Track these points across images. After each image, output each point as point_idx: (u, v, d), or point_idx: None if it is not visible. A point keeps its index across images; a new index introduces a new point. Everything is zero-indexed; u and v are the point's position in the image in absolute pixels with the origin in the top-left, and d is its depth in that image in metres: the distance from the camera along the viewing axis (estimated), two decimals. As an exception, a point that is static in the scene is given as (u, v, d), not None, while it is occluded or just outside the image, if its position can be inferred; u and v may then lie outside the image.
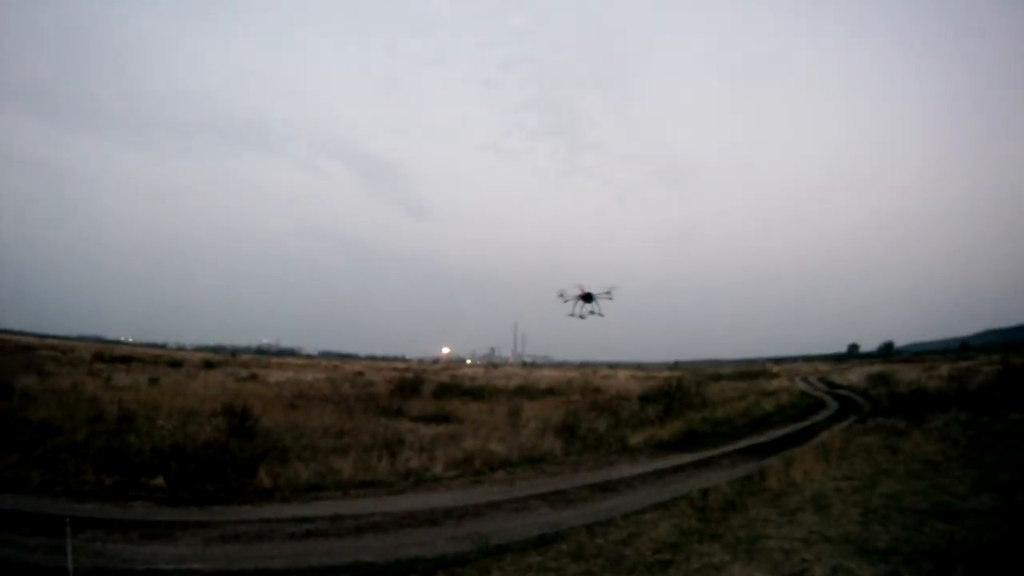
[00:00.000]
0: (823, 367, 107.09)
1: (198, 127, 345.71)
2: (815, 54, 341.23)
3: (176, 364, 65.70)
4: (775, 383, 61.39)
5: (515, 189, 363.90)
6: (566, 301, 18.97)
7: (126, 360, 64.43)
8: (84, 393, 29.04)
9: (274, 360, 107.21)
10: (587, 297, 18.97)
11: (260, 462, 17.35)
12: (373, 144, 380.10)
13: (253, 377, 53.01)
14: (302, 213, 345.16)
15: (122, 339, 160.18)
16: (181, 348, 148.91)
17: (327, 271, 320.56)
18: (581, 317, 19.12)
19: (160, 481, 15.75)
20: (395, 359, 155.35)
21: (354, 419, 26.07)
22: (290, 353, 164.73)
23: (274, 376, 55.64)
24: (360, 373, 68.86)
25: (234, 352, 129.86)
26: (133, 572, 9.56)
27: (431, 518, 13.52)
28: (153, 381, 42.09)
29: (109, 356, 68.04)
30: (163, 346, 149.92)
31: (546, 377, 67.79)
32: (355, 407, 30.52)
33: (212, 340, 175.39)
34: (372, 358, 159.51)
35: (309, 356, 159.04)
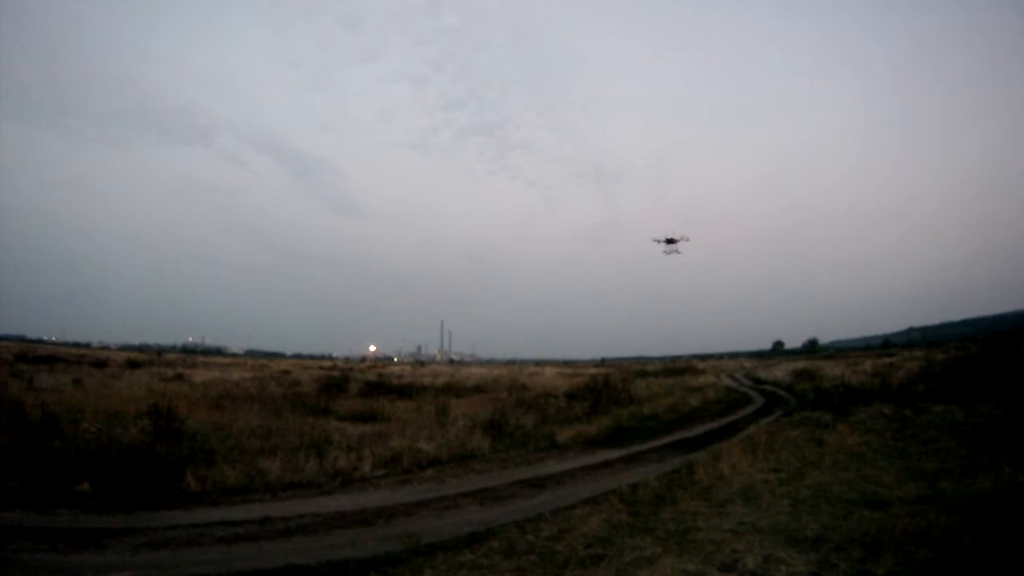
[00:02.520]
0: (749, 364, 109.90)
1: (121, 116, 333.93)
2: (741, 56, 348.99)
3: (100, 364, 63.42)
4: (701, 379, 62.93)
5: (443, 187, 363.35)
6: (658, 242, 21.55)
7: (49, 360, 62.01)
8: (6, 395, 27.80)
9: (200, 359, 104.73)
10: (671, 241, 21.85)
11: (187, 465, 16.87)
12: (301, 139, 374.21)
13: (179, 377, 51.41)
14: (228, 208, 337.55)
15: (45, 339, 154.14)
16: (105, 347, 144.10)
17: (253, 268, 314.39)
18: (667, 254, 21.79)
19: (86, 487, 15.18)
20: (321, 358, 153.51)
21: (281, 419, 25.65)
22: (216, 352, 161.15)
23: (200, 375, 54.24)
24: (286, 372, 67.82)
25: (160, 351, 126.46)
26: (59, 583, 9.19)
27: (361, 518, 13.41)
28: (77, 382, 40.55)
29: (32, 356, 65.47)
30: (87, 345, 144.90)
31: (473, 375, 67.87)
32: (282, 406, 30.03)
33: (137, 339, 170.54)
34: (298, 357, 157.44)
35: (235, 355, 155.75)
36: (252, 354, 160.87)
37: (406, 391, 43.18)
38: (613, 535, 10.23)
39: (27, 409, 22.69)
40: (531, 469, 19.18)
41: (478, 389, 48.47)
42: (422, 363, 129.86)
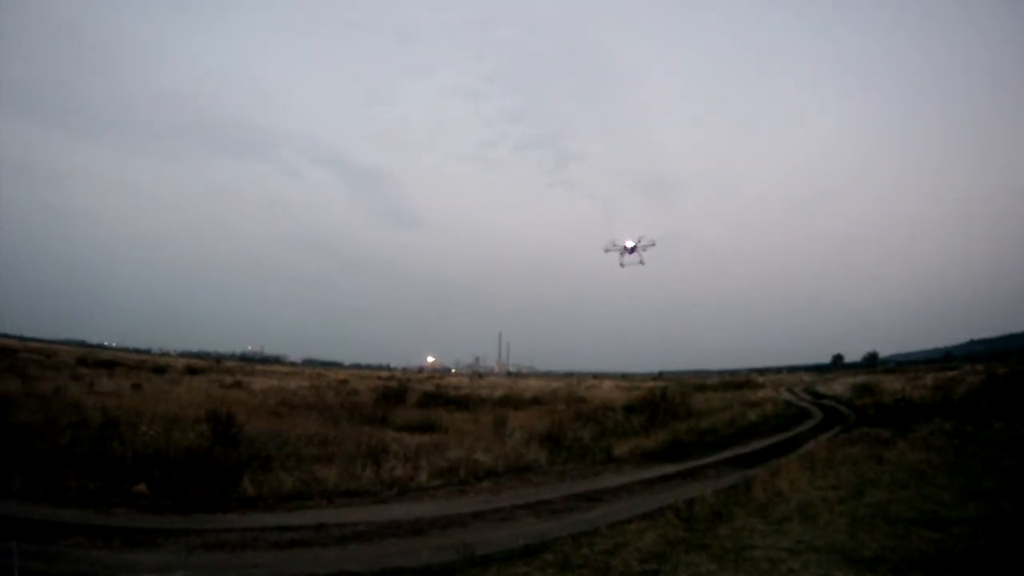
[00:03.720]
0: (808, 377, 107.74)
1: (184, 131, 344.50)
2: (799, 68, 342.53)
3: (160, 370, 65.52)
4: (760, 393, 61.81)
5: (501, 200, 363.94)
6: (607, 251, 20.18)
7: (110, 365, 64.23)
8: (67, 398, 28.87)
9: (258, 367, 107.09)
10: (631, 249, 20.42)
11: (244, 470, 17.33)
12: (360, 153, 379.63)
13: (237, 384, 52.91)
14: (288, 220, 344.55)
15: (106, 344, 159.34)
16: (165, 354, 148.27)
17: (313, 279, 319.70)
18: (622, 266, 20.43)
19: (143, 488, 15.74)
20: (380, 368, 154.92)
21: (338, 428, 26.07)
22: (275, 361, 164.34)
23: (258, 383, 55.52)
24: (344, 381, 68.82)
25: (219, 359, 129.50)
26: (114, 579, 9.51)
27: (416, 528, 13.57)
28: (136, 387, 41.99)
29: (93, 361, 67.80)
30: (147, 352, 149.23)
31: (531, 387, 67.89)
32: (339, 416, 30.53)
33: (197, 346, 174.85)
34: (357, 367, 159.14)
35: (293, 364, 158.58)
36: (310, 363, 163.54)
37: (464, 402, 43.46)
38: (668, 551, 10.10)
39: (87, 411, 23.52)
40: (588, 482, 19.12)
41: (536, 401, 48.48)
42: (480, 374, 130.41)
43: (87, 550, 11.19)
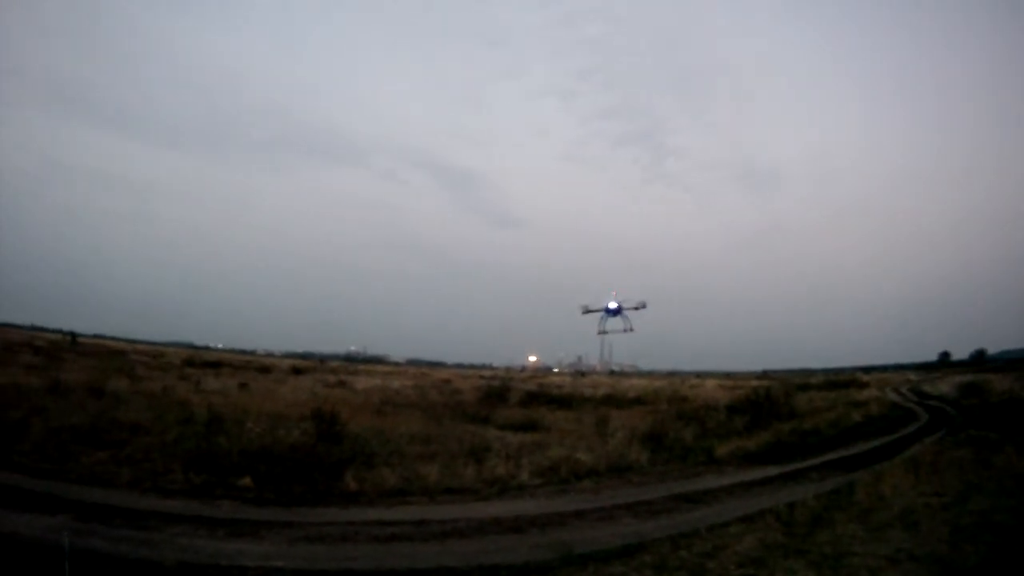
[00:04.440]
0: (913, 376, 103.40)
1: (278, 143, 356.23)
2: (897, 53, 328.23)
3: (265, 370, 67.92)
4: (865, 393, 59.76)
5: (599, 197, 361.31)
6: (585, 313, 18.48)
7: (216, 366, 66.96)
8: (174, 396, 30.28)
9: (362, 367, 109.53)
10: (614, 311, 18.46)
11: (347, 466, 17.74)
12: (456, 156, 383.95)
13: (341, 383, 54.35)
14: (389, 224, 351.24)
15: (212, 345, 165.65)
16: (270, 355, 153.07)
17: (414, 280, 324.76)
18: (603, 332, 18.59)
19: (247, 481, 16.30)
20: (482, 367, 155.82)
21: (441, 426, 26.43)
22: (378, 360, 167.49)
23: (362, 383, 56.82)
24: (447, 381, 69.72)
25: (323, 359, 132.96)
26: (218, 567, 9.89)
27: (515, 525, 13.56)
28: (243, 386, 43.67)
29: (199, 361, 70.77)
30: (252, 353, 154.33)
31: (633, 386, 67.27)
32: (442, 414, 30.99)
33: (301, 347, 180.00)
34: (459, 366, 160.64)
35: (396, 364, 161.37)
36: (413, 363, 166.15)
37: (566, 401, 43.45)
38: (766, 556, 9.81)
39: (194, 409, 24.50)
40: (688, 483, 18.78)
41: (638, 401, 48.02)
42: (582, 373, 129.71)
43: (191, 539, 11.68)
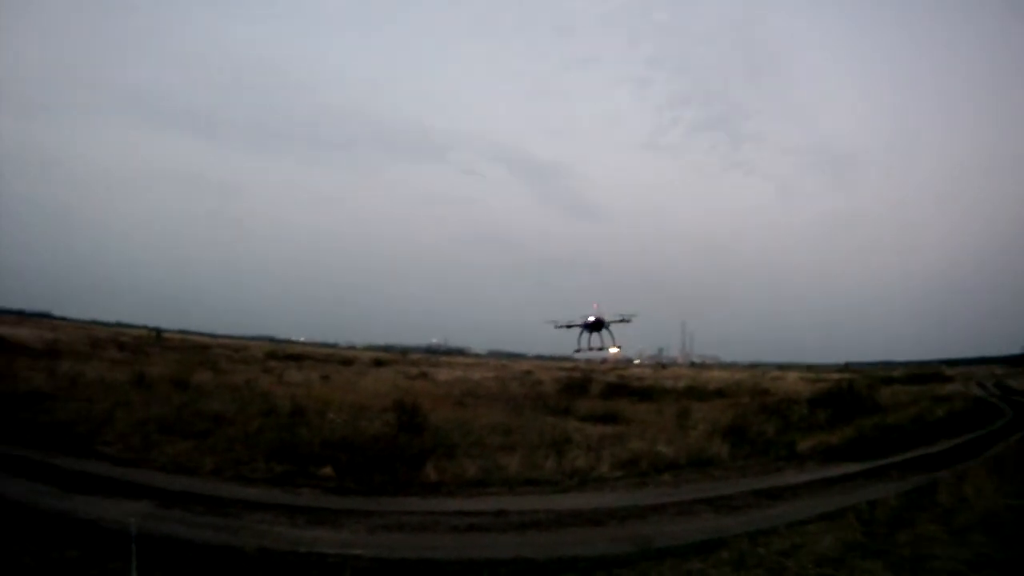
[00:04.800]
0: (999, 370, 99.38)
1: (357, 142, 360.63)
2: (981, 34, 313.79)
3: (347, 362, 69.03)
4: (948, 387, 57.76)
5: (677, 186, 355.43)
6: (559, 327, 17.20)
7: (298, 358, 68.08)
8: (257, 388, 30.84)
9: (443, 359, 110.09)
10: (595, 325, 16.87)
11: (428, 457, 17.88)
12: (533, 148, 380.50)
13: (422, 375, 54.86)
14: (469, 218, 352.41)
15: (294, 339, 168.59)
16: (352, 347, 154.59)
17: (495, 272, 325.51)
18: (577, 350, 17.24)
19: (328, 471, 16.57)
20: (563, 359, 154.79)
21: (522, 417, 26.40)
22: (459, 352, 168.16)
23: (443, 374, 57.23)
24: (528, 372, 69.65)
25: (404, 351, 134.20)
26: (296, 554, 10.03)
27: (594, 518, 13.47)
28: (324, 378, 44.32)
29: (281, 355, 72.04)
30: (334, 345, 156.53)
31: (715, 378, 66.20)
32: (523, 406, 30.92)
33: (382, 340, 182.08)
34: (540, 358, 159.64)
35: (477, 356, 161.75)
36: (494, 355, 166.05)
37: (647, 393, 42.87)
38: (845, 555, 9.52)
39: (276, 401, 24.97)
40: (769, 479, 18.34)
41: (719, 393, 47.09)
42: (663, 365, 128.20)
43: (271, 526, 11.95)
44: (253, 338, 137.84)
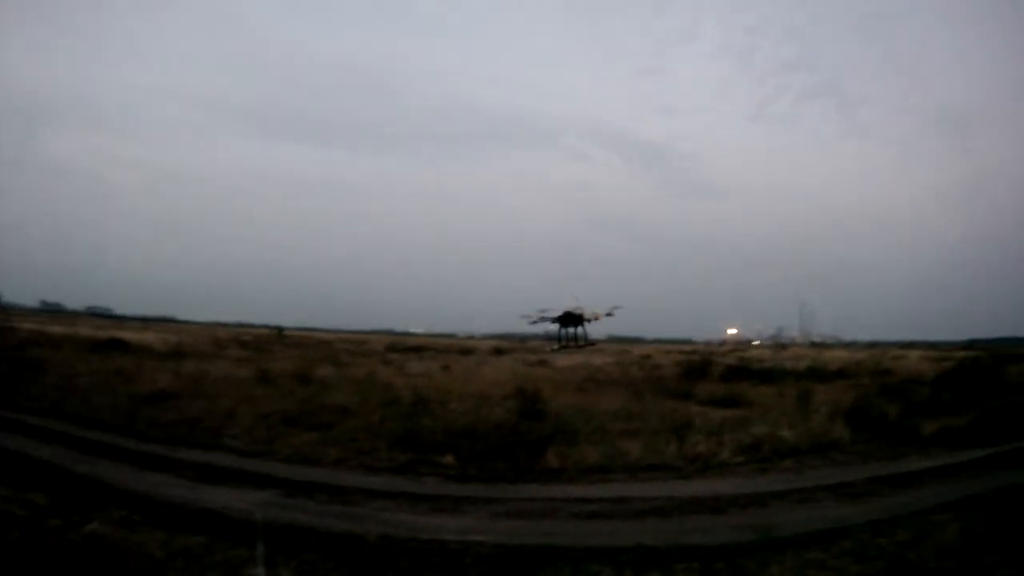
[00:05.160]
0: None
1: (466, 134, 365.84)
2: None
3: (467, 352, 69.88)
4: None
5: (790, 157, 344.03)
6: (532, 323, 16.27)
7: (418, 350, 69.49)
8: (379, 380, 31.61)
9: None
10: (571, 320, 15.66)
11: (549, 443, 17.97)
12: (640, 127, 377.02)
13: (542, 362, 55.08)
14: (583, 203, 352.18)
15: (413, 331, 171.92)
16: (471, 337, 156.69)
17: (610, 257, 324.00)
18: (554, 350, 16.29)
19: (450, 459, 16.90)
20: (682, 342, 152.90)
21: (642, 402, 26.20)
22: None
23: (562, 361, 57.24)
24: (647, 356, 69.14)
25: (523, 339, 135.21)
26: (418, 541, 10.26)
27: (715, 505, 13.22)
28: (445, 368, 45.15)
29: (401, 347, 73.63)
30: (453, 336, 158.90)
31: (836, 358, 64.09)
32: (643, 390, 30.69)
33: (500, 328, 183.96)
34: (658, 341, 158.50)
35: (598, 341, 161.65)
36: (614, 340, 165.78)
37: (767, 375, 41.79)
38: (971, 548, 9.11)
39: (398, 392, 25.62)
40: (891, 465, 17.50)
41: (840, 374, 45.45)
42: (783, 345, 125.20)
43: (394, 513, 12.28)
44: (373, 332, 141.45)
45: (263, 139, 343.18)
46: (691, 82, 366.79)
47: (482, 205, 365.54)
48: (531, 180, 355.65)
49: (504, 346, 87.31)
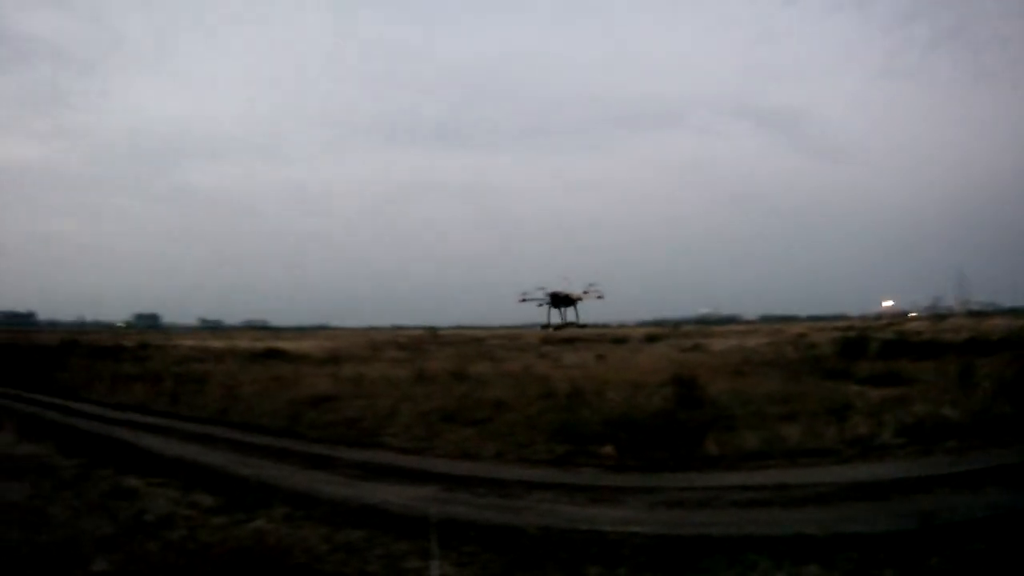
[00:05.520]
0: None
1: (596, 121, 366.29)
2: None
3: (620, 341, 69.82)
4: None
5: (925, 112, 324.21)
6: (525, 301, 15.81)
7: (572, 341, 70.01)
8: (534, 373, 32.02)
9: (716, 329, 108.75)
10: (562, 300, 15.30)
11: (707, 430, 17.68)
12: (767, 97, 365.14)
13: (696, 347, 54.53)
14: (718, 179, 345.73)
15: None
16: (623, 325, 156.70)
17: (755, 234, 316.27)
18: (555, 329, 15.75)
19: (609, 450, 16.88)
20: (836, 318, 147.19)
21: (800, 383, 25.43)
22: (730, 320, 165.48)
23: (717, 344, 56.55)
24: (802, 335, 67.10)
25: (676, 324, 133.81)
26: (577, 531, 10.31)
27: (876, 490, 12.54)
28: (599, 358, 45.36)
29: (555, 339, 74.21)
30: (606, 325, 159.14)
31: (998, 327, 59.92)
32: (799, 371, 29.84)
33: (653, 315, 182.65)
34: (812, 318, 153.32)
35: (749, 322, 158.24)
36: (766, 320, 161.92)
37: (926, 349, 39.54)
38: None
39: (554, 384, 25.86)
40: None
41: (1004, 343, 42.38)
42: (941, 316, 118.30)
43: (552, 505, 12.40)
44: (526, 326, 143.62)
45: (401, 149, 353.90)
46: (809, 42, 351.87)
47: (622, 192, 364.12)
48: (664, 161, 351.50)
49: (657, 333, 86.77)
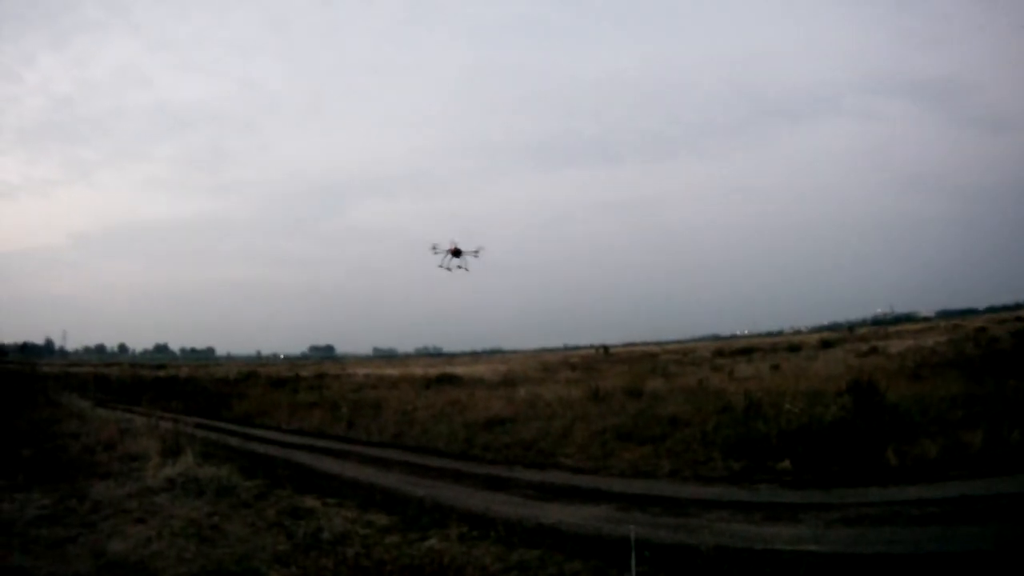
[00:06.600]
0: None
1: (748, 120, 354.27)
2: None
3: (794, 348, 67.61)
4: None
5: None
6: (436, 253, 16.14)
7: (746, 352, 68.43)
8: (709, 387, 31.55)
9: (891, 329, 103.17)
10: (456, 252, 16.11)
11: (888, 440, 16.93)
12: (918, 68, 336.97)
13: (873, 350, 52.01)
14: (881, 166, 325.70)
15: (738, 333, 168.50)
16: (797, 332, 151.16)
17: (927, 220, 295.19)
18: (448, 269, 16.31)
19: (786, 464, 16.59)
20: (1016, 308, 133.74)
21: (983, 385, 23.85)
22: (906, 319, 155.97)
23: (894, 346, 53.78)
24: (982, 329, 62.52)
25: (851, 327, 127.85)
26: (751, 551, 10.20)
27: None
28: (774, 368, 44.14)
29: (728, 351, 72.78)
30: (779, 333, 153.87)
31: None
32: (981, 369, 27.87)
33: (826, 319, 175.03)
34: (992, 310, 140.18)
35: (927, 319, 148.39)
36: (944, 315, 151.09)
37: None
38: None
39: (729, 397, 25.51)
40: None
41: None
42: None
43: (728, 523, 12.27)
44: (698, 340, 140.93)
45: (557, 170, 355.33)
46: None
47: (779, 192, 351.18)
48: (823, 152, 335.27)
49: (832, 337, 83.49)
